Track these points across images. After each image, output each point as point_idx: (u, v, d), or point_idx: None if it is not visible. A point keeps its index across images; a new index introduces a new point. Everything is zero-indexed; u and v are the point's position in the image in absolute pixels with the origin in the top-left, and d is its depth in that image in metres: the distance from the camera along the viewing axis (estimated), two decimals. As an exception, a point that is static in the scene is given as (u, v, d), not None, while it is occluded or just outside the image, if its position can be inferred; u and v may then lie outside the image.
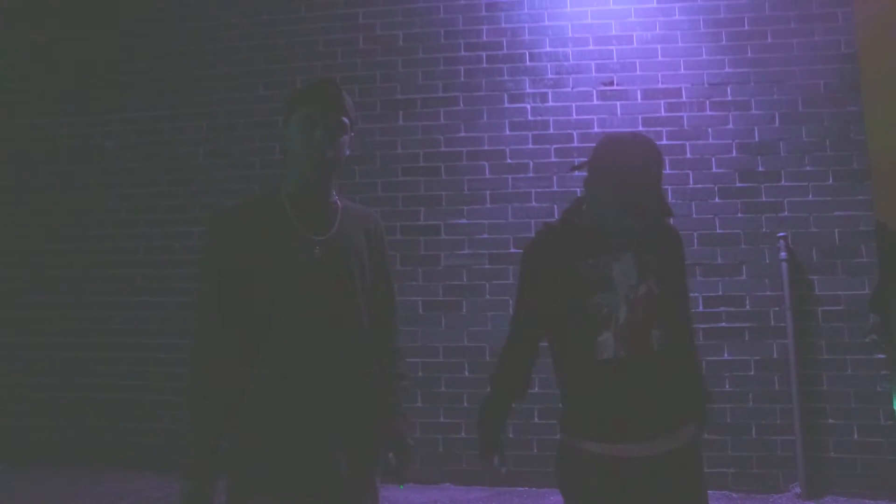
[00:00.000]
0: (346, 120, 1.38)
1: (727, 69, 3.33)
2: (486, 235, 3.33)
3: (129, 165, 3.74)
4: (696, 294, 3.12)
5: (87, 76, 3.88)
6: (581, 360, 1.28)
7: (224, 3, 3.79)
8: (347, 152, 1.40)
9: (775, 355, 3.06)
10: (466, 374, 3.25)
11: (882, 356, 3.03)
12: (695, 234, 3.20)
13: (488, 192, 3.34)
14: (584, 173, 1.40)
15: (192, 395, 1.25)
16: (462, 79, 3.46)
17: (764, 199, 3.22)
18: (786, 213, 3.19)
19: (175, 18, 3.85)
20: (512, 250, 3.25)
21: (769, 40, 3.32)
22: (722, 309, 3.13)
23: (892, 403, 3.01)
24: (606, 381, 1.24)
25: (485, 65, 3.45)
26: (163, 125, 3.75)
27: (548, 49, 3.42)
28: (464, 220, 3.36)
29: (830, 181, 3.20)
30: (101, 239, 3.70)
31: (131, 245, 3.66)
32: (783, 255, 3.10)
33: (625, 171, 1.29)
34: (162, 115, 3.76)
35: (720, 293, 3.15)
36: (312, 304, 1.30)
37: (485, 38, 3.48)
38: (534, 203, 3.31)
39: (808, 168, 3.22)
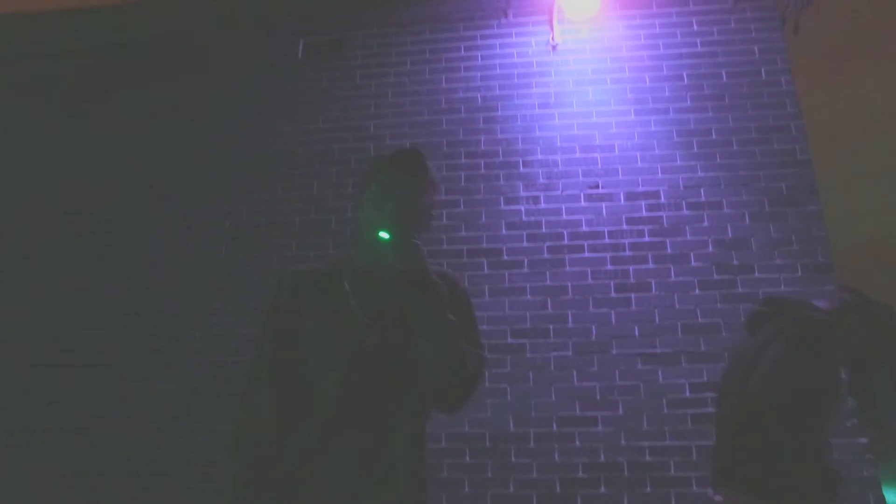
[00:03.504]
0: (425, 191, 1.28)
1: (700, 173, 3.69)
2: (484, 327, 3.50)
3: (155, 258, 4.01)
4: (682, 381, 3.34)
5: (121, 174, 4.19)
6: None
7: (250, 114, 4.18)
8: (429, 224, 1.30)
9: (759, 438, 3.22)
10: (468, 459, 3.38)
11: (864, 440, 3.07)
12: (678, 323, 3.45)
13: (487, 287, 3.59)
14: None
15: (237, 453, 1.21)
16: (462, 183, 3.80)
17: (740, 290, 3.49)
18: (761, 303, 3.46)
19: (205, 125, 4.21)
20: (509, 341, 3.49)
21: (735, 147, 3.70)
22: (707, 394, 3.30)
23: (881, 488, 3.00)
24: None
25: (483, 171, 3.80)
26: (191, 222, 4.02)
27: (539, 157, 3.79)
28: (465, 312, 3.60)
29: (799, 273, 3.48)
30: (126, 327, 3.90)
31: (155, 333, 3.87)
32: (760, 342, 3.34)
33: None
34: (190, 213, 4.03)
35: (705, 379, 3.34)
36: (356, 396, 1.19)
37: (482, 148, 3.86)
38: (528, 297, 3.55)
39: (778, 261, 3.51)
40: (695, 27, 3.96)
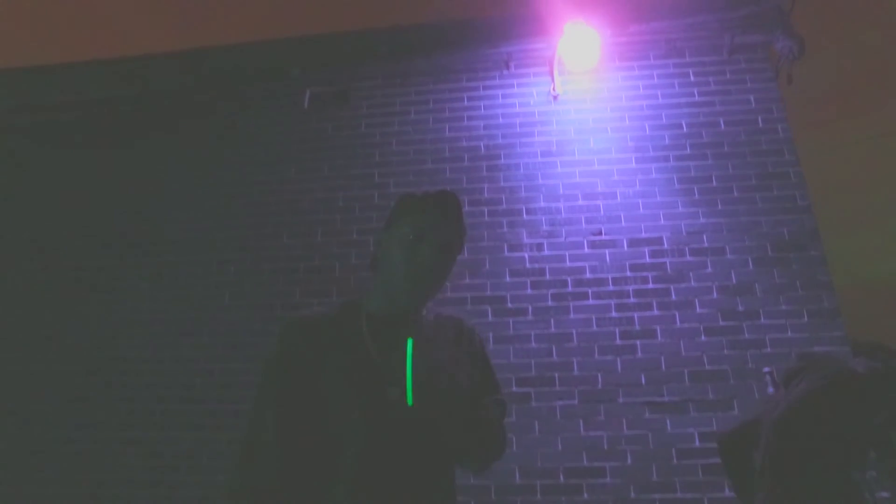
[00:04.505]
0: (458, 240, 1.22)
1: (702, 219, 3.72)
2: None
3: (158, 305, 4.01)
4: (691, 430, 3.28)
5: (126, 220, 4.22)
6: None
7: (255, 162, 4.24)
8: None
9: (772, 490, 3.16)
10: (475, 511, 3.32)
11: (886, 494, 2.95)
12: (685, 371, 3.41)
13: (491, 335, 3.54)
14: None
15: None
16: (466, 231, 3.83)
17: (747, 336, 3.46)
18: (769, 350, 3.42)
19: (210, 171, 4.27)
20: (514, 389, 3.44)
21: (735, 194, 3.75)
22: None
23: None
24: None
25: (486, 218, 3.84)
26: (195, 268, 4.04)
27: (542, 204, 3.83)
28: (470, 360, 3.57)
29: (805, 319, 3.46)
30: (127, 373, 3.87)
31: (154, 381, 3.84)
32: (770, 389, 3.27)
33: None
34: (195, 259, 4.05)
35: (714, 428, 3.26)
36: (381, 454, 1.06)
37: (486, 195, 3.90)
38: (533, 344, 3.53)
39: (783, 307, 3.50)
40: (692, 78, 4.06)
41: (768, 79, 3.99)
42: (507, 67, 4.23)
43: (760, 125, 3.87)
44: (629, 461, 3.27)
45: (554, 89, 4.08)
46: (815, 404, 1.85)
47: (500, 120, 4.09)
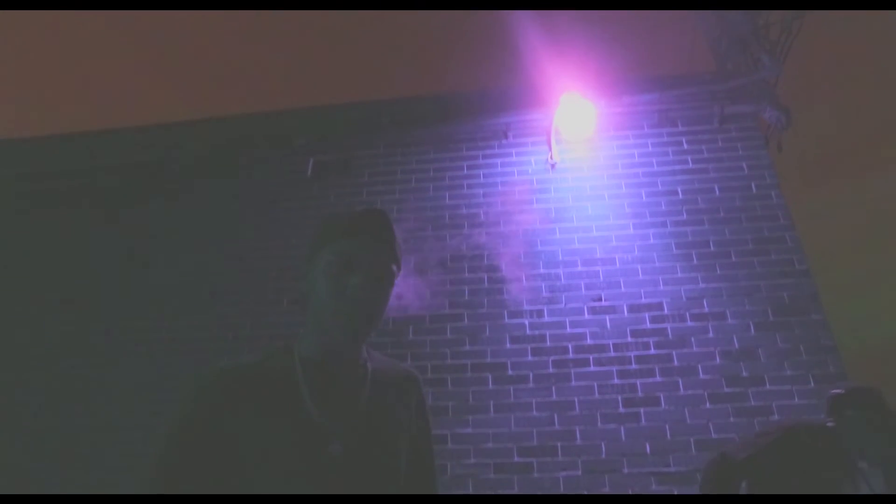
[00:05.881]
0: (394, 266, 1.07)
1: (701, 284, 3.73)
2: (489, 445, 3.42)
3: (156, 372, 3.96)
4: (699, 502, 3.18)
5: (126, 287, 4.23)
6: None
7: (257, 228, 4.30)
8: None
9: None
10: (477, 591, 3.17)
11: None
12: (691, 439, 3.33)
13: (492, 403, 3.49)
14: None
15: None
16: (466, 297, 3.83)
17: (752, 403, 3.40)
18: (776, 416, 3.35)
19: (213, 236, 4.32)
20: (516, 459, 3.35)
21: (733, 259, 3.77)
22: (727, 517, 3.16)
23: None
24: None
25: (486, 285, 3.85)
26: (195, 334, 4.01)
27: (542, 270, 3.86)
28: (469, 430, 3.49)
29: (812, 384, 3.41)
30: (119, 442, 3.79)
31: (145, 450, 3.76)
32: (779, 459, 3.22)
33: None
34: (194, 325, 4.02)
35: (723, 500, 3.20)
36: None
37: (486, 262, 3.92)
38: (535, 412, 3.46)
39: (788, 372, 3.45)
40: (685, 146, 4.17)
41: (759, 146, 4.10)
42: (506, 137, 4.36)
43: (754, 191, 3.95)
44: (637, 537, 3.14)
45: (551, 158, 4.19)
46: (767, 455, 1.95)
47: (500, 187, 4.18)
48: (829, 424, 2.01)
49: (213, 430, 0.94)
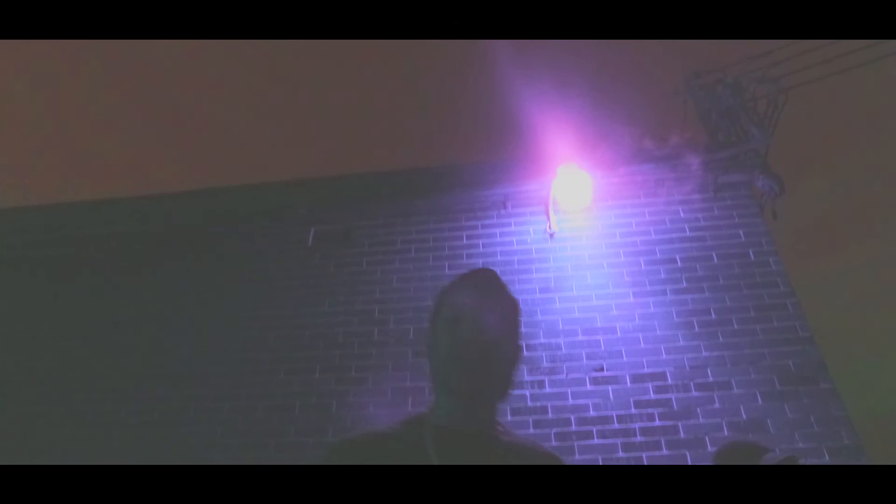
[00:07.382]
0: (503, 317, 1.06)
1: (704, 353, 3.67)
2: None
3: (146, 442, 3.84)
4: (715, 587, 2.99)
5: (121, 354, 4.17)
6: None
7: (256, 297, 4.30)
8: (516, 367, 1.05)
9: None
10: None
11: None
12: (702, 517, 3.19)
13: (494, 478, 3.40)
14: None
15: None
16: (466, 367, 3.79)
17: (765, 478, 3.27)
18: (790, 493, 3.22)
19: (211, 305, 4.30)
20: (521, 540, 3.20)
21: (735, 326, 3.73)
22: None
23: None
24: None
25: (486, 354, 3.82)
26: (188, 404, 3.92)
27: (542, 340, 3.81)
28: (471, 507, 3.36)
29: (827, 458, 3.28)
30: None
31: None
32: None
33: None
34: (188, 395, 3.94)
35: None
36: None
37: (485, 331, 3.91)
38: (539, 488, 3.35)
39: (800, 444, 3.32)
40: (681, 214, 4.23)
41: (754, 214, 4.15)
42: (505, 207, 4.43)
43: (752, 258, 3.96)
44: None
45: (550, 227, 4.24)
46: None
47: (499, 257, 4.21)
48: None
49: None
